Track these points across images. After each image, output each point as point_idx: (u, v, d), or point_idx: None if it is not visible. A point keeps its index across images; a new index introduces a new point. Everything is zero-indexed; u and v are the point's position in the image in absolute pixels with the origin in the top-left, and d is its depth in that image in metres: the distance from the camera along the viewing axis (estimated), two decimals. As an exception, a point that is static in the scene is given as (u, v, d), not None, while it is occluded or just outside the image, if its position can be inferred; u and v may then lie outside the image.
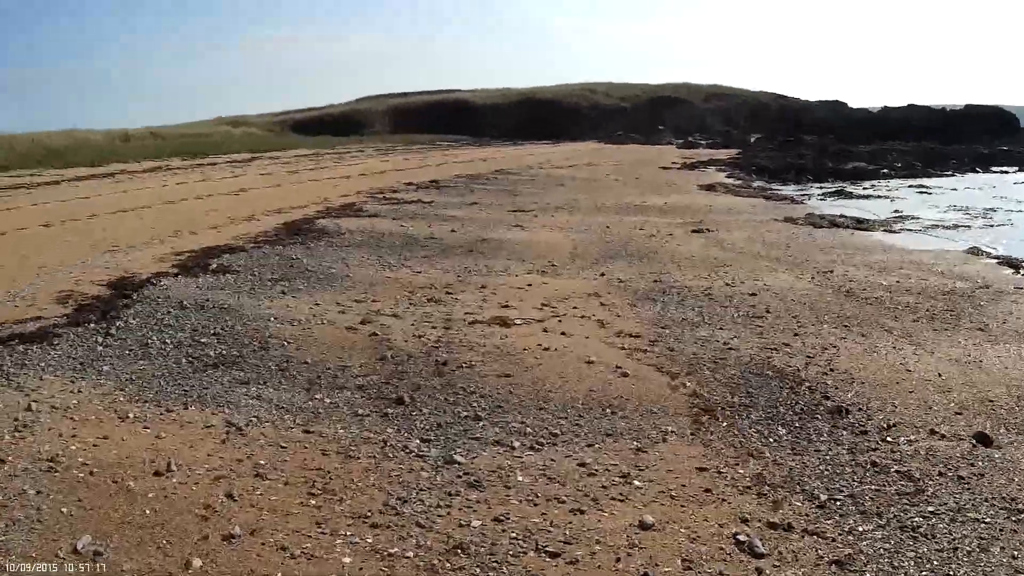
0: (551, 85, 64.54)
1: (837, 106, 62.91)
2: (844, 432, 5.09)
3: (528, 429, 5.02)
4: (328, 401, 5.36)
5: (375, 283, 8.89)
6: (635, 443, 4.85)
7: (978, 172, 30.15)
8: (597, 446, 4.81)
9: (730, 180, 25.23)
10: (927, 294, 9.02)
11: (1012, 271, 10.63)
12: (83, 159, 26.71)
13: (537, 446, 4.79)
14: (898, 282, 9.60)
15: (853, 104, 64.50)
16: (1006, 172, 30.66)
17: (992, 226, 15.59)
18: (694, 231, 13.63)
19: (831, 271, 10.23)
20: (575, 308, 7.99)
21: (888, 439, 4.97)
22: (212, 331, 6.79)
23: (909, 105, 55.82)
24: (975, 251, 12.10)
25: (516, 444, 4.80)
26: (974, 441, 4.92)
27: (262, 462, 4.43)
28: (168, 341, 6.53)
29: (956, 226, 15.40)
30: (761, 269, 10.39)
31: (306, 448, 4.66)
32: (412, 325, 7.15)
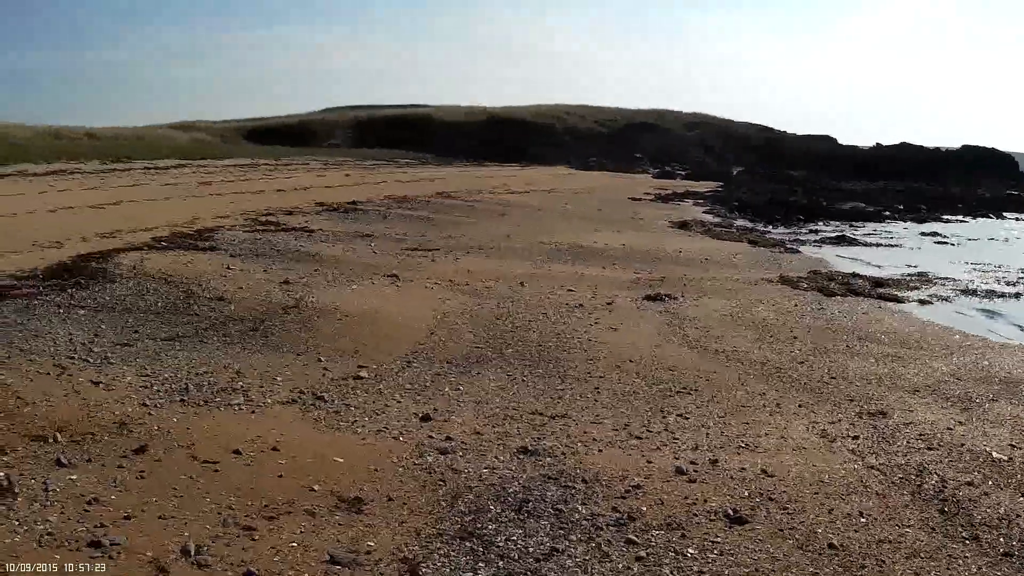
0: (524, 105, 59.76)
1: (826, 141, 58.62)
2: None
3: None
4: None
5: None
6: None
7: (991, 218, 26.40)
8: None
9: (709, 216, 21.77)
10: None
11: None
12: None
13: None
14: None
15: (842, 141, 60.21)
16: (1020, 219, 26.92)
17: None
18: (648, 298, 9.08)
19: (883, 413, 5.61)
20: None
21: None
22: None
23: (902, 143, 51.63)
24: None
25: None
26: None
27: None
28: None
29: (1002, 295, 11.33)
30: (755, 406, 5.74)
31: None
32: None
